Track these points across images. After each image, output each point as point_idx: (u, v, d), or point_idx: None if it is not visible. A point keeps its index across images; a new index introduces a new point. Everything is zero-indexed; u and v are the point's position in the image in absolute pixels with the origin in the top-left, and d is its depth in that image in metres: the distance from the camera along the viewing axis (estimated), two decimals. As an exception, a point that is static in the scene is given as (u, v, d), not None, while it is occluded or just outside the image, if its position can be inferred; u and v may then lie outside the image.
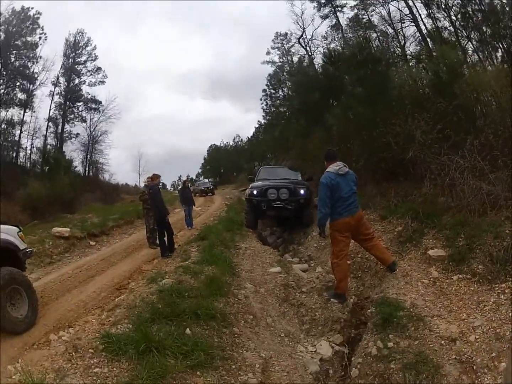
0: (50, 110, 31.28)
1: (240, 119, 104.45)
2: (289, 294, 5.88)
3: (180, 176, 65.30)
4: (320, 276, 6.59)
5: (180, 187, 15.19)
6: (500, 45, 16.89)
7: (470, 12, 18.44)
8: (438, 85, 8.93)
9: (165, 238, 8.18)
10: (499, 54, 17.08)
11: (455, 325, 4.12)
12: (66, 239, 9.65)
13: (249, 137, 54.55)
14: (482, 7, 17.82)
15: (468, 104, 8.33)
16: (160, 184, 11.20)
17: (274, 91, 35.87)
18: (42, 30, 29.62)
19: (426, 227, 6.32)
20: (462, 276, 4.91)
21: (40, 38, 29.61)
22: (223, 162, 61.44)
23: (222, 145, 65.98)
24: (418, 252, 5.93)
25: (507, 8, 16.31)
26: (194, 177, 63.42)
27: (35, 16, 29.25)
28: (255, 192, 10.60)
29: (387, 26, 23.38)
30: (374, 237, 5.86)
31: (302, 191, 10.38)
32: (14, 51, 28.46)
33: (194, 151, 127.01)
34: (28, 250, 5.18)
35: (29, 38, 29.27)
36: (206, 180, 40.77)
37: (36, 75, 29.83)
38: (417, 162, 7.74)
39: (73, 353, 3.34)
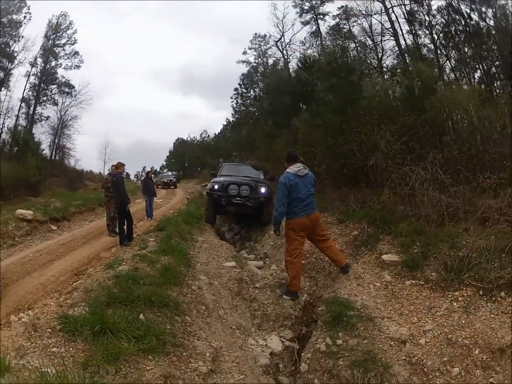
0: (24, 90, 30.10)
1: (210, 117, 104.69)
2: (242, 288, 5.85)
3: (145, 167, 64.53)
4: (274, 273, 6.55)
5: (143, 177, 15.00)
6: (480, 66, 17.64)
7: (453, 32, 19.15)
8: (409, 99, 9.13)
9: (125, 227, 8.31)
10: (477, 74, 18.03)
11: (405, 328, 4.15)
12: (29, 222, 9.77)
13: (216, 133, 54.62)
14: (467, 28, 18.51)
15: (437, 119, 8.58)
16: (124, 173, 11.05)
17: (245, 91, 35.77)
18: (28, 9, 28.69)
19: (382, 233, 6.38)
20: (415, 282, 4.96)
21: (24, 17, 28.63)
22: (188, 157, 61.11)
23: (188, 139, 65.50)
24: (372, 256, 5.97)
25: (493, 32, 16.97)
26: (158, 169, 62.60)
27: (23, -6, 28.27)
28: (216, 186, 10.47)
29: (367, 38, 24.07)
30: (329, 238, 5.94)
31: (263, 190, 10.37)
32: (-1, 28, 27.26)
33: (161, 144, 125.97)
34: None
35: (14, 16, 28.26)
36: (170, 173, 40.74)
37: (15, 54, 28.63)
38: (378, 170, 7.88)
39: (32, 332, 3.32)
